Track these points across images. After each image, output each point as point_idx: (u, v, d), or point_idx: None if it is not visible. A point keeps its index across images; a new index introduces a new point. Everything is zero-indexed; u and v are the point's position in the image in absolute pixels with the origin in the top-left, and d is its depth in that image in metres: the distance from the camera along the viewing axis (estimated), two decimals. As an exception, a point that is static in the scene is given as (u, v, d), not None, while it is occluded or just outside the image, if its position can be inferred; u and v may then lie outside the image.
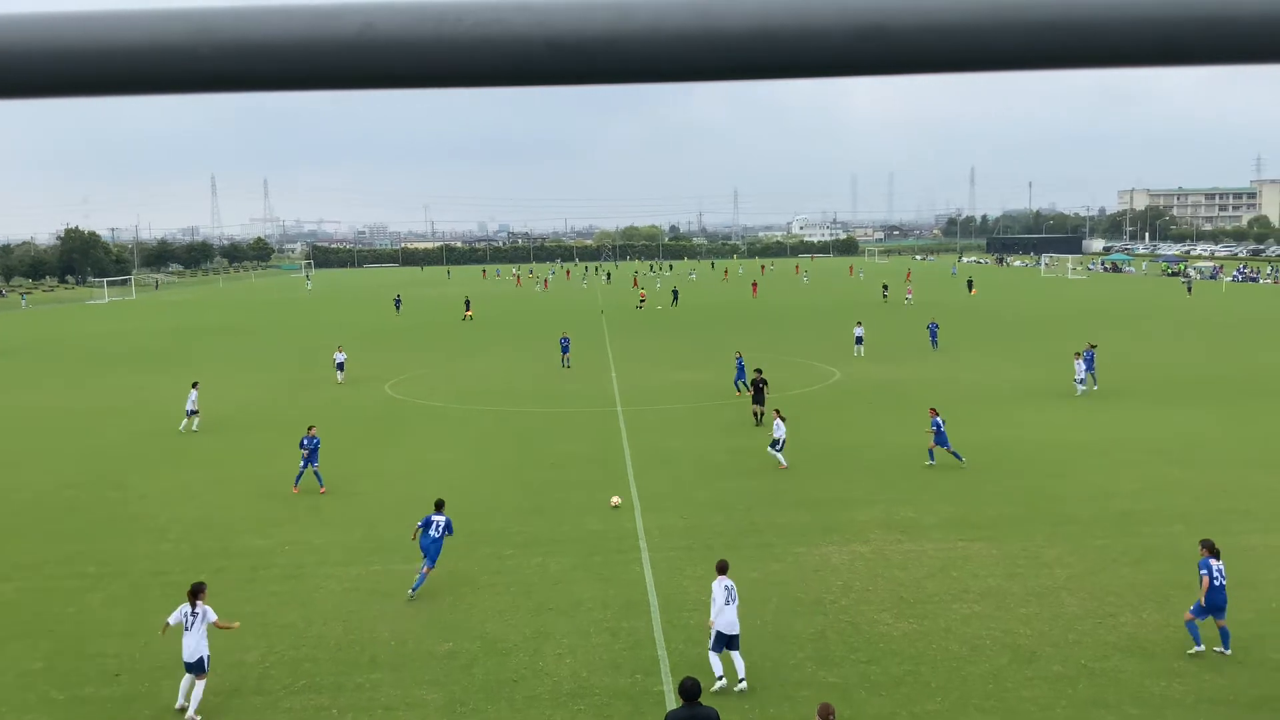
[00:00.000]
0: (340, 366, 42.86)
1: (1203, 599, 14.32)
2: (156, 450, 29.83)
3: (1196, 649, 14.38)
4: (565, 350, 45.27)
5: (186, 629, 13.48)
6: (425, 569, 17.41)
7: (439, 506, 18.06)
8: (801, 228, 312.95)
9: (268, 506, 23.17)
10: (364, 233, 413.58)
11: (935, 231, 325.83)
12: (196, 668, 13.40)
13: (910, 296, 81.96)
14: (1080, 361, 35.66)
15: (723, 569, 14.29)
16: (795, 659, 14.54)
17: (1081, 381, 35.40)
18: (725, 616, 13.68)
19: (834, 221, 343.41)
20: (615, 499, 22.69)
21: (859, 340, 48.00)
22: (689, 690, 10.66)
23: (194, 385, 33.66)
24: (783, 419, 26.23)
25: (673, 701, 12.96)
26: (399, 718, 13.18)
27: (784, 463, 25.55)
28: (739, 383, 36.23)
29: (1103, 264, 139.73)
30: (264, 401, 38.05)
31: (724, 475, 25.00)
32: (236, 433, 32.17)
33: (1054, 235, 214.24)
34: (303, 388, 41.50)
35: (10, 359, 56.50)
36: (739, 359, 37.23)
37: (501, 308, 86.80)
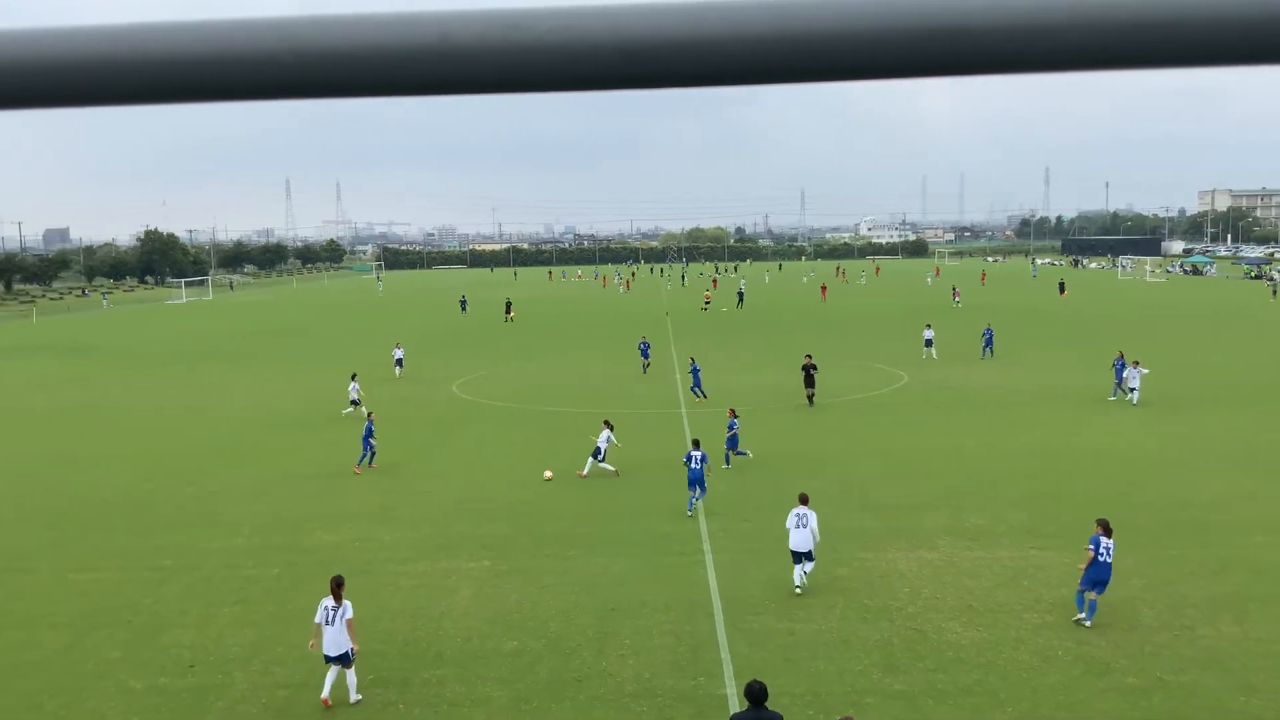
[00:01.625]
0: (399, 362, 45.16)
1: (1083, 569, 15.66)
2: (230, 447, 30.56)
3: (1081, 617, 15.64)
4: (645, 355, 45.29)
5: (329, 624, 13.65)
6: (696, 498, 21.98)
7: (696, 444, 22.43)
8: (870, 229, 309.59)
9: (337, 503, 23.59)
10: (433, 234, 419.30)
11: (1008, 233, 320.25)
12: (342, 660, 13.72)
13: (958, 299, 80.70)
14: (1134, 370, 34.38)
15: (802, 500, 17.74)
16: (861, 665, 14.39)
17: (1135, 389, 34.25)
18: (792, 538, 17.13)
19: (903, 223, 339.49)
20: (548, 473, 25.13)
21: (929, 343, 47.59)
22: (756, 694, 10.58)
23: (353, 376, 36.61)
24: (609, 426, 25.67)
25: (736, 705, 12.91)
26: (464, 714, 13.32)
27: (611, 470, 25.32)
28: (696, 390, 36.43)
29: (1182, 266, 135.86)
30: (335, 399, 38.73)
31: (788, 478, 24.83)
32: (307, 430, 32.81)
33: (1132, 237, 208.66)
34: (372, 386, 42.16)
35: (91, 357, 58.36)
36: (693, 366, 37.50)
37: (577, 309, 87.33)
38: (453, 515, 22.33)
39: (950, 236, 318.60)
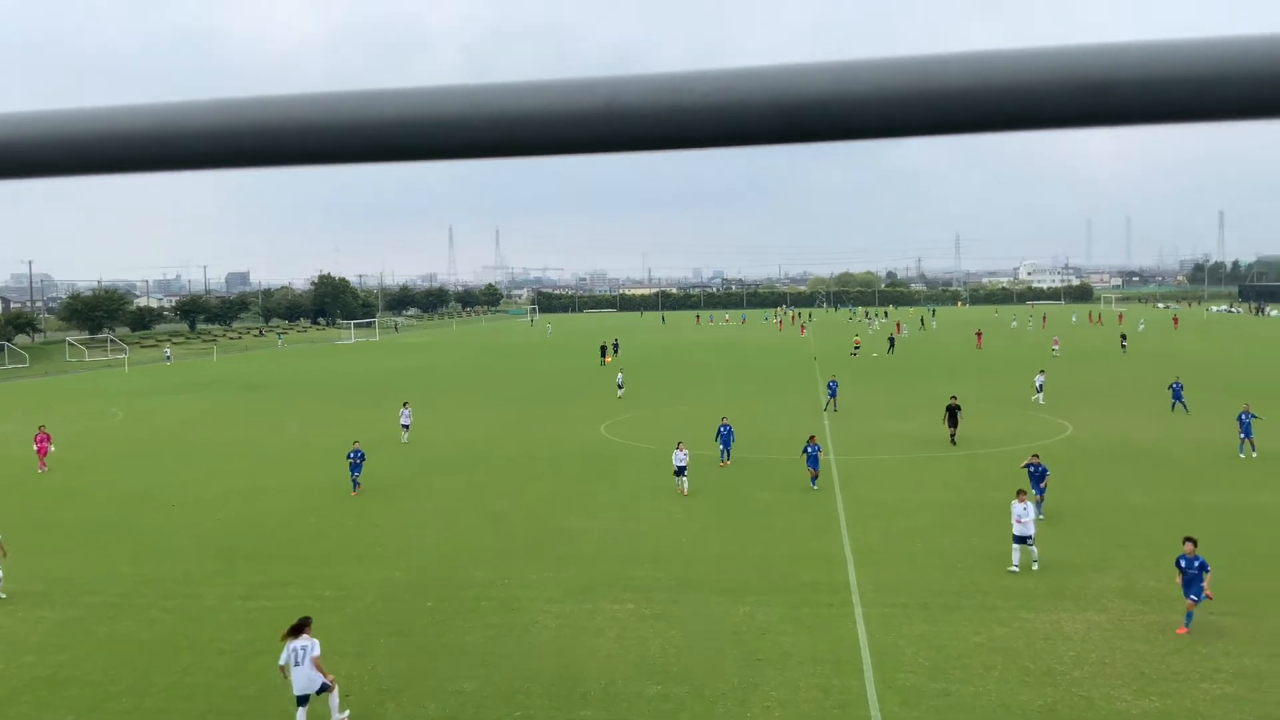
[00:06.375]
0: (620, 385, 54.41)
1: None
2: (390, 482, 31.75)
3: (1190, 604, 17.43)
4: (833, 394, 47.03)
5: (297, 664, 14.13)
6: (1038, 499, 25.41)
7: (1035, 455, 26.92)
8: (1030, 273, 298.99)
9: (489, 540, 24.15)
10: (585, 279, 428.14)
11: (1179, 278, 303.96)
12: (319, 689, 14.22)
13: (1057, 348, 77.37)
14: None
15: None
16: (1018, 730, 13.71)
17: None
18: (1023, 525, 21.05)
19: (1065, 267, 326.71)
20: None
21: (1039, 388, 48.34)
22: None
23: (405, 404, 41.44)
24: (680, 447, 29.22)
25: (884, 764, 12.49)
26: (607, 757, 13.34)
27: (684, 490, 28.58)
28: (724, 451, 33.33)
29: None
30: (490, 438, 39.81)
31: (943, 531, 24.05)
32: (463, 468, 33.79)
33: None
34: (528, 423, 43.13)
35: (266, 393, 61.83)
36: (725, 426, 33.61)
37: (729, 352, 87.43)
38: (598, 556, 22.53)
39: (1117, 281, 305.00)
